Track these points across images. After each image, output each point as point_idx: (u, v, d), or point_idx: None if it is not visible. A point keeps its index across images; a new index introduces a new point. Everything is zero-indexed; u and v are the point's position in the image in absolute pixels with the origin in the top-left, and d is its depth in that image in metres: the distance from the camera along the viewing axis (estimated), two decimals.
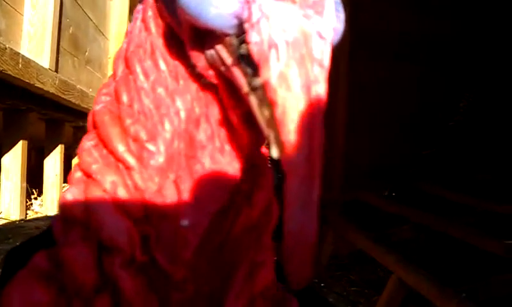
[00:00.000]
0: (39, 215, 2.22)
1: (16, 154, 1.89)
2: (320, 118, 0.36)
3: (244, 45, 0.36)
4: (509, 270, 1.91)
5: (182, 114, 0.43)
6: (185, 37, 0.41)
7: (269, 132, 0.36)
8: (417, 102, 3.77)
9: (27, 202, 2.13)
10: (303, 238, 0.36)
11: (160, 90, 0.43)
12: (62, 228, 0.42)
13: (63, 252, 0.41)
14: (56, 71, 1.86)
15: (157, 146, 0.42)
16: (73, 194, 0.42)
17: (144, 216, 0.41)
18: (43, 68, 1.64)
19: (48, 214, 2.26)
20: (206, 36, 0.39)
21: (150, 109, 0.43)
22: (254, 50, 0.35)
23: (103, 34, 2.83)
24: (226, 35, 0.37)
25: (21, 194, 1.95)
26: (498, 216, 2.32)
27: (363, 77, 3.80)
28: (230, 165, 0.44)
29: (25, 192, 2.00)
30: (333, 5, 0.37)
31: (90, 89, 2.56)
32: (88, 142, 0.44)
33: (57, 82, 1.75)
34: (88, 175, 0.43)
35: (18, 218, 1.92)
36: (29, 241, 0.52)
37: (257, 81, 0.35)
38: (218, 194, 0.43)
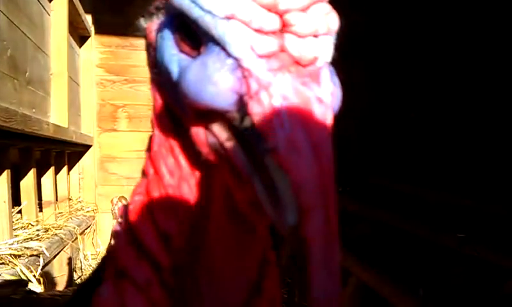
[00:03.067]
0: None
1: None
2: (332, 178, 0.37)
3: (246, 118, 0.37)
4: (463, 264, 1.99)
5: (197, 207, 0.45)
6: (189, 122, 0.42)
7: (279, 207, 0.36)
8: (369, 99, 3.85)
9: None
10: (330, 305, 0.36)
11: (185, 186, 0.46)
12: None
13: None
14: None
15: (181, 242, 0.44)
16: (108, 290, 0.45)
17: None
18: None
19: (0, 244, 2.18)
20: (207, 118, 0.40)
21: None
22: (257, 120, 0.36)
23: (43, 51, 2.75)
24: (227, 112, 0.38)
25: None
26: (452, 208, 2.40)
27: None
28: (246, 262, 0.46)
29: None
30: (329, 73, 0.40)
31: (33, 110, 2.48)
32: (121, 239, 0.47)
33: None
34: (122, 273, 0.45)
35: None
36: None
37: (263, 150, 0.36)
38: (237, 289, 0.45)
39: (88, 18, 3.95)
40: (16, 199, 2.46)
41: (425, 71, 3.50)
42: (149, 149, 0.49)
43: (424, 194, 2.65)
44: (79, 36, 3.90)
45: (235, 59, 0.38)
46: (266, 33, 0.38)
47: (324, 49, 0.40)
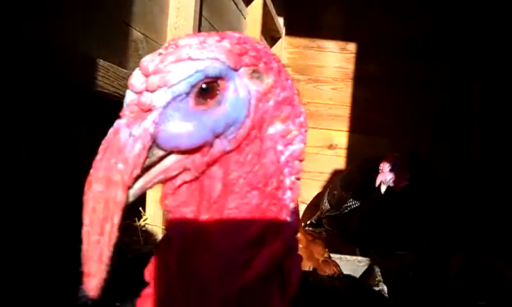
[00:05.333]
0: None
1: None
2: (114, 209, 0.51)
3: None
4: None
5: None
6: None
7: None
8: None
9: None
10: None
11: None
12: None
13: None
14: None
15: None
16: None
17: None
18: None
19: None
20: None
21: None
22: None
23: None
24: None
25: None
26: None
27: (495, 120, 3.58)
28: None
29: None
30: (157, 114, 0.53)
31: None
32: None
33: None
34: None
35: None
36: None
37: None
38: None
39: (280, 20, 4.21)
40: None
41: None
42: None
43: None
44: (270, 37, 4.19)
45: None
46: (135, 92, 0.54)
47: (157, 98, 0.53)
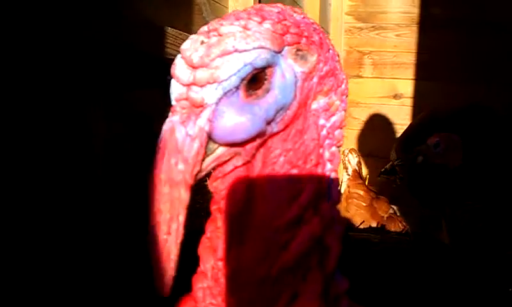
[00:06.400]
0: None
1: None
2: (179, 208, 0.52)
3: None
4: None
5: None
6: None
7: None
8: None
9: None
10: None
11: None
12: None
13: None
14: None
15: None
16: None
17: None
18: None
19: None
20: None
21: None
22: None
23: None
24: None
25: None
26: None
27: None
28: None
29: None
30: (210, 111, 0.53)
31: None
32: None
33: None
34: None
35: None
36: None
37: None
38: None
39: None
40: None
41: None
42: None
43: None
44: None
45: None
46: (182, 85, 0.53)
47: (208, 94, 0.52)
